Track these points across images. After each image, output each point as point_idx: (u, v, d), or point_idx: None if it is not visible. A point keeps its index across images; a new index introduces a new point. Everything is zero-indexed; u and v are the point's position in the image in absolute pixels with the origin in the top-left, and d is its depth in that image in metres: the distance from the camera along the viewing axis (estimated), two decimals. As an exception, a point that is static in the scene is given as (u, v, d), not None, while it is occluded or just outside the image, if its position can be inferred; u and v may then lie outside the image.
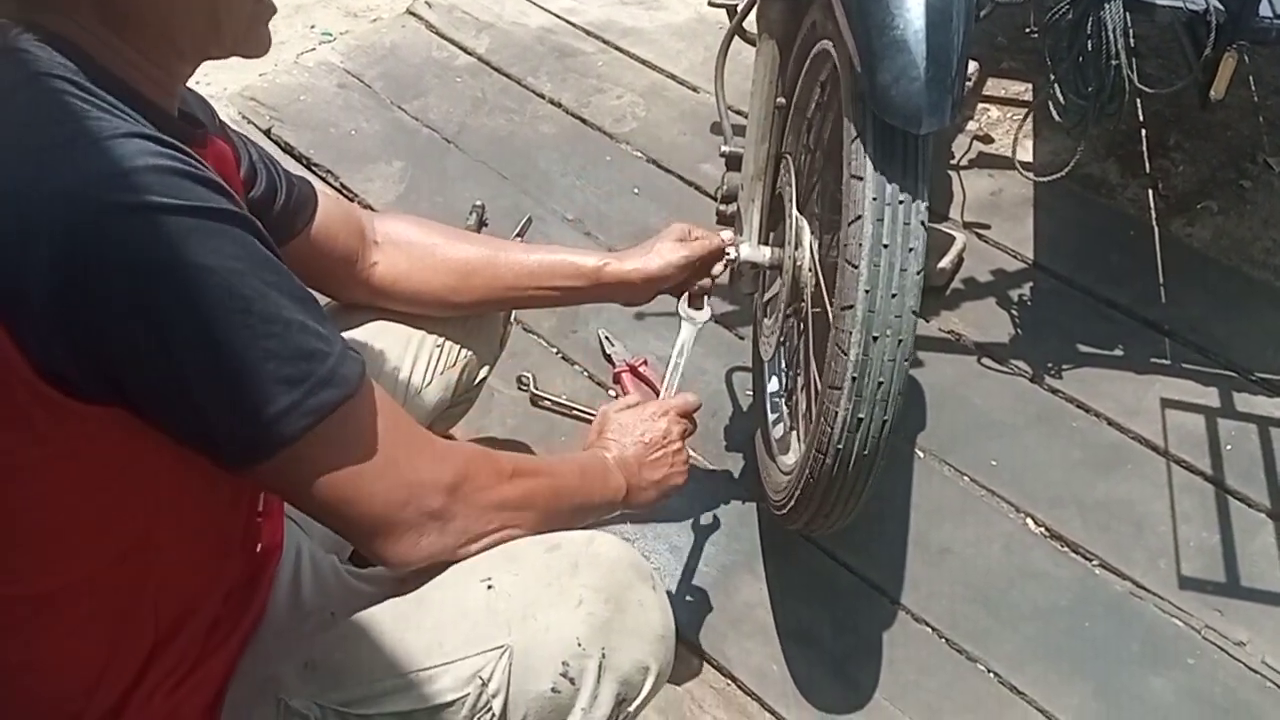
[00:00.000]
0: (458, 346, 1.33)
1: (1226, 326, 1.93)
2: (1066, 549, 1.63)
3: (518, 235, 2.10)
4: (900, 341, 1.08)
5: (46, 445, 0.76)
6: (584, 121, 2.37)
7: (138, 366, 0.74)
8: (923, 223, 1.07)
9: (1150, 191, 2.19)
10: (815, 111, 1.38)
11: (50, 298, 0.71)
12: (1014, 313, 1.96)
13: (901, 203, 1.06)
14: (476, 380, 1.40)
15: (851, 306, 1.08)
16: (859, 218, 1.07)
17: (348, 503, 0.85)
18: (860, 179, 1.07)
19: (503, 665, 0.91)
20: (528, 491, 0.99)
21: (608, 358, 1.89)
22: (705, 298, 1.39)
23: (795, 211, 1.31)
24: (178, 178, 0.73)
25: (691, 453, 1.73)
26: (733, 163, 1.43)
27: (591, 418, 1.79)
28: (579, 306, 1.96)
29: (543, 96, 2.44)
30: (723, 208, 1.45)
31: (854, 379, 1.10)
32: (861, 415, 1.11)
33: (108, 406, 0.76)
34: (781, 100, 1.36)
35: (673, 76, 2.49)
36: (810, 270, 1.32)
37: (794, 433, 1.49)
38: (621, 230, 2.12)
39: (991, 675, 1.49)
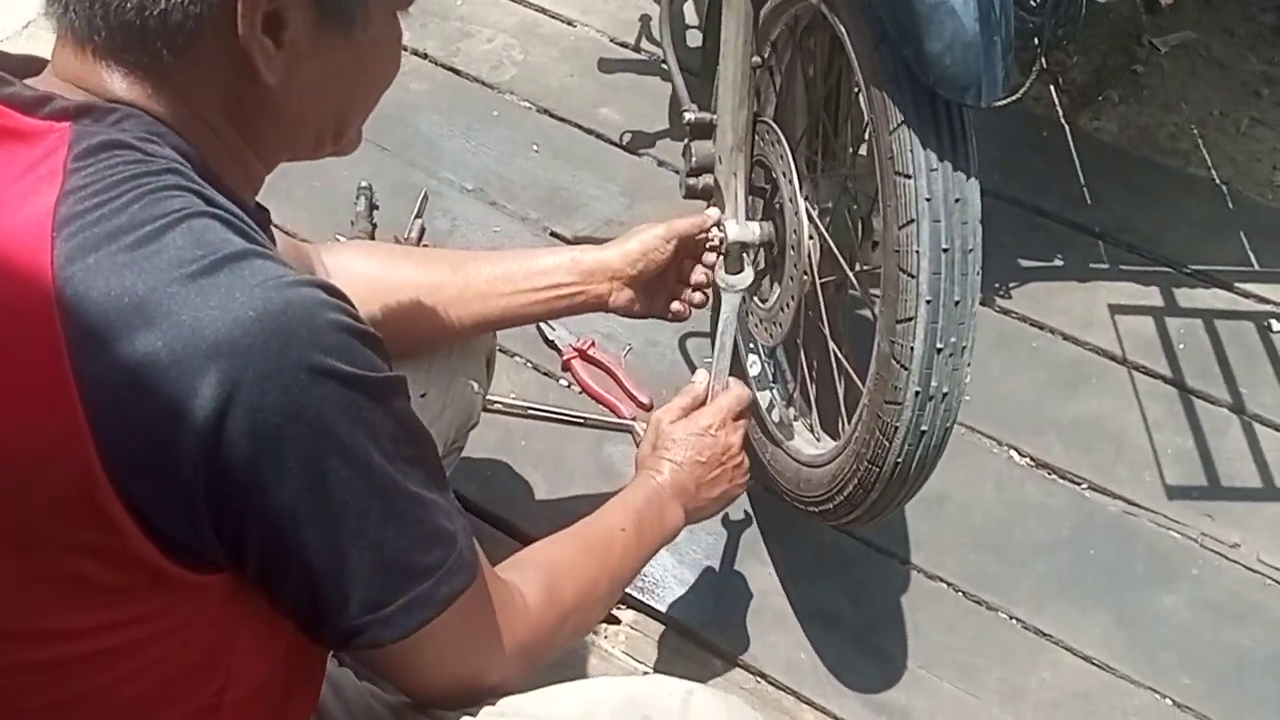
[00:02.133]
0: (444, 385, 1.17)
1: (1151, 220, 1.94)
2: (1055, 476, 1.61)
3: (416, 216, 1.89)
4: (964, 348, 1.00)
5: (149, 622, 0.68)
6: (457, 73, 2.14)
7: (275, 535, 0.66)
8: (980, 220, 0.98)
9: (1052, 88, 2.16)
10: (795, 68, 1.25)
11: (206, 456, 0.62)
12: (950, 233, 1.91)
13: (958, 200, 0.95)
14: (475, 414, 1.25)
15: (911, 319, 0.98)
16: (911, 221, 0.96)
17: (422, 674, 0.79)
18: (909, 177, 0.95)
19: None
20: (584, 602, 0.93)
21: (550, 344, 1.73)
22: (744, 258, 1.25)
23: (794, 180, 1.18)
24: (350, 337, 0.67)
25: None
26: (699, 130, 1.28)
27: (549, 414, 1.65)
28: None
29: (404, 49, 2.17)
30: (692, 181, 1.31)
31: (917, 393, 1.01)
32: (924, 428, 1.03)
33: (214, 575, 0.67)
34: (758, 59, 1.22)
35: (543, 10, 2.27)
36: (813, 239, 1.21)
37: (800, 420, 1.39)
38: (530, 195, 1.93)
39: (1015, 622, 1.47)
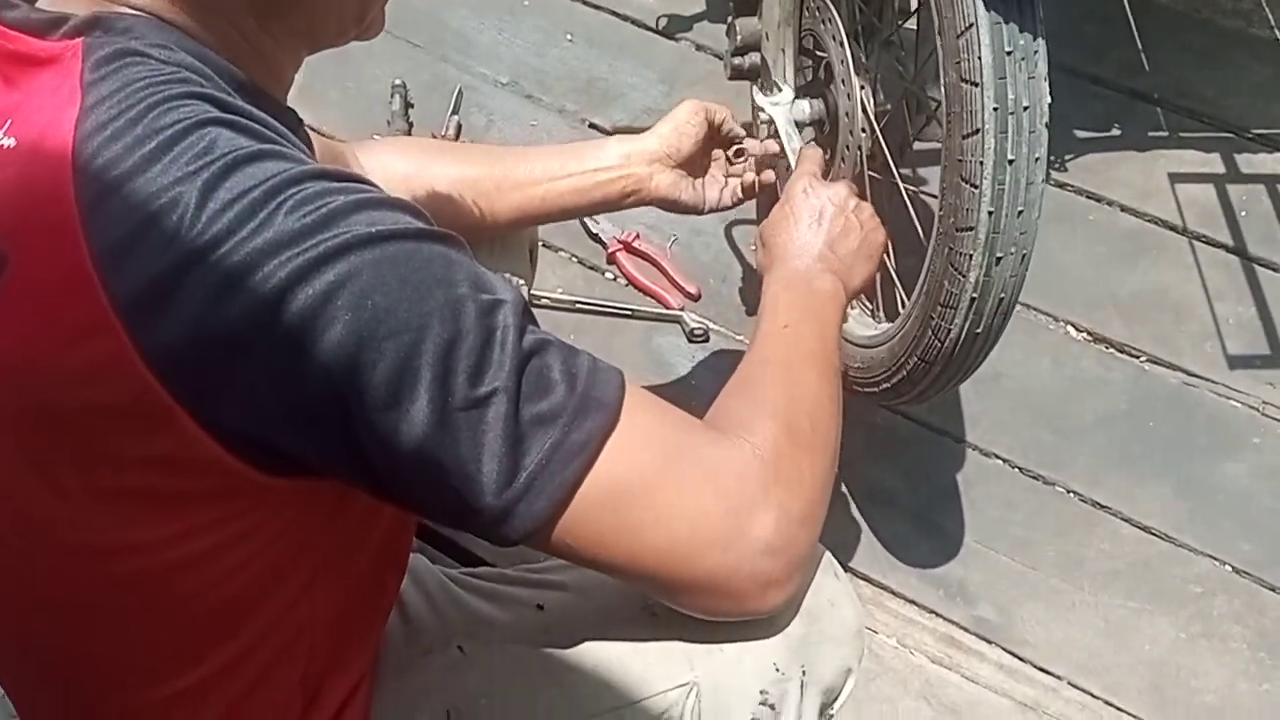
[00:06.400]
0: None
1: (1213, 85, 1.86)
2: (1113, 350, 1.59)
3: (452, 113, 1.86)
4: (1024, 256, 0.98)
5: (227, 525, 0.65)
6: (485, -39, 2.08)
7: (368, 418, 0.62)
8: (1046, 124, 0.93)
9: (1106, -51, 2.06)
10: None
11: (274, 349, 0.60)
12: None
13: (1026, 108, 0.92)
14: None
15: (972, 229, 0.95)
16: (977, 131, 0.92)
17: (654, 564, 0.69)
18: (975, 84, 0.91)
19: (690, 705, 0.80)
20: (800, 399, 0.79)
21: (594, 237, 1.72)
22: (772, 70, 1.19)
23: (849, 60, 1.14)
24: (371, 206, 0.63)
25: (709, 323, 1.63)
26: (743, 7, 1.24)
27: (597, 307, 1.65)
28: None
29: (431, -60, 2.12)
30: (738, 61, 1.26)
31: (973, 299, 0.99)
32: (979, 330, 1.01)
33: (289, 478, 0.64)
34: (803, -78, 1.17)
35: (571, -107, 2.19)
36: (864, 131, 1.17)
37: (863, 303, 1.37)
38: (566, 87, 1.89)
39: (1072, 495, 1.46)
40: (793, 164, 1.20)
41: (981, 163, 0.93)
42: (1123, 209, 1.72)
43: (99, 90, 0.62)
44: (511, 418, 0.63)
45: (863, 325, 1.33)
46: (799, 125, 1.21)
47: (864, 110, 1.17)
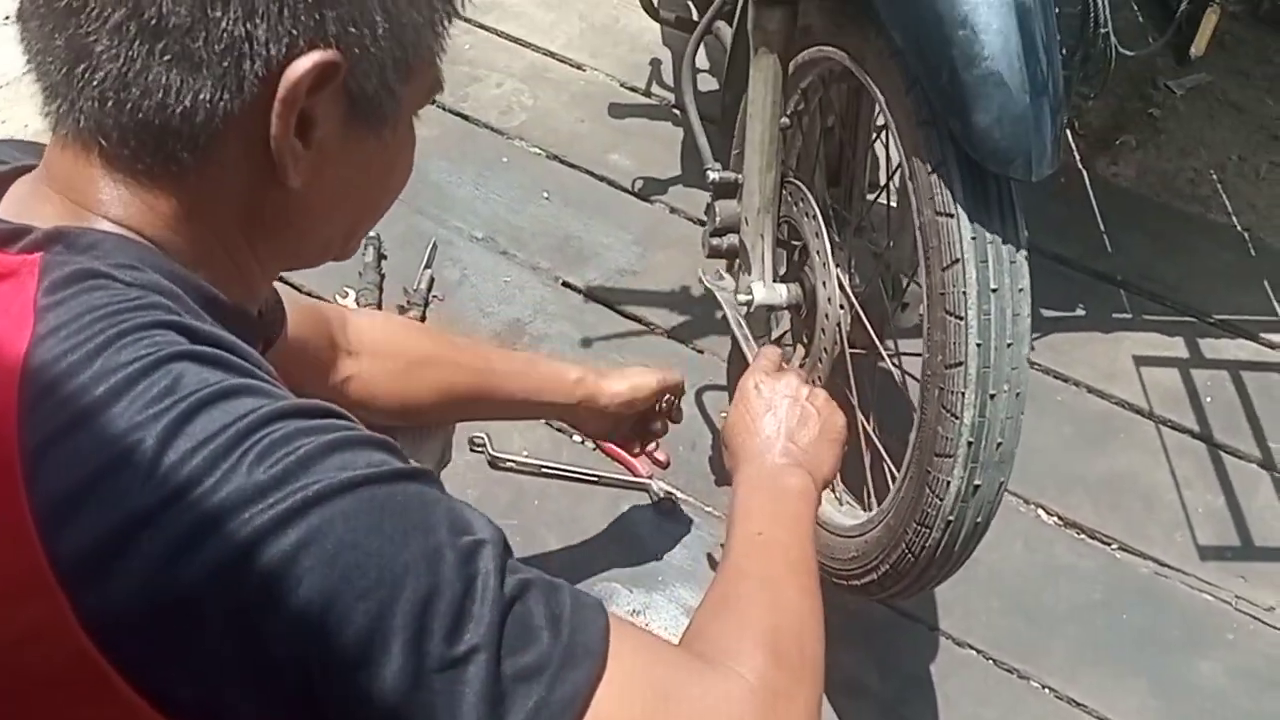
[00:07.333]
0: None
1: (1174, 269, 1.91)
2: (1084, 536, 1.57)
3: (425, 267, 1.85)
4: (1018, 395, 0.96)
5: None
6: (466, 118, 2.11)
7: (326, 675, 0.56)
8: (1026, 257, 0.94)
9: (1068, 133, 2.14)
10: (815, 118, 1.22)
11: (233, 613, 0.54)
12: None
13: (1006, 240, 0.92)
14: None
15: (961, 364, 0.94)
16: (956, 261, 0.92)
17: None
18: (950, 216, 0.92)
19: None
20: (783, 611, 0.78)
21: (564, 398, 1.69)
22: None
23: (825, 244, 1.15)
24: (345, 450, 0.59)
25: (677, 493, 1.60)
26: (722, 190, 1.25)
27: (563, 472, 1.61)
28: (517, 342, 1.76)
29: (412, 93, 2.15)
30: (716, 241, 1.27)
31: (970, 444, 0.97)
32: (978, 481, 0.99)
33: None
34: (786, 120, 1.18)
35: (552, 54, 2.25)
36: (842, 308, 1.17)
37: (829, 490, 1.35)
38: (541, 244, 1.90)
39: (1047, 691, 1.42)
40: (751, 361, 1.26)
41: (964, 292, 0.93)
42: (1089, 390, 1.74)
43: (53, 317, 0.57)
44: (492, 675, 0.58)
45: (837, 512, 1.31)
46: (774, 309, 1.21)
47: (841, 288, 1.18)
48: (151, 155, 0.61)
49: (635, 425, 1.35)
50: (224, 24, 0.58)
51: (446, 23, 0.67)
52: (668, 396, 1.34)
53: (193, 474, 0.54)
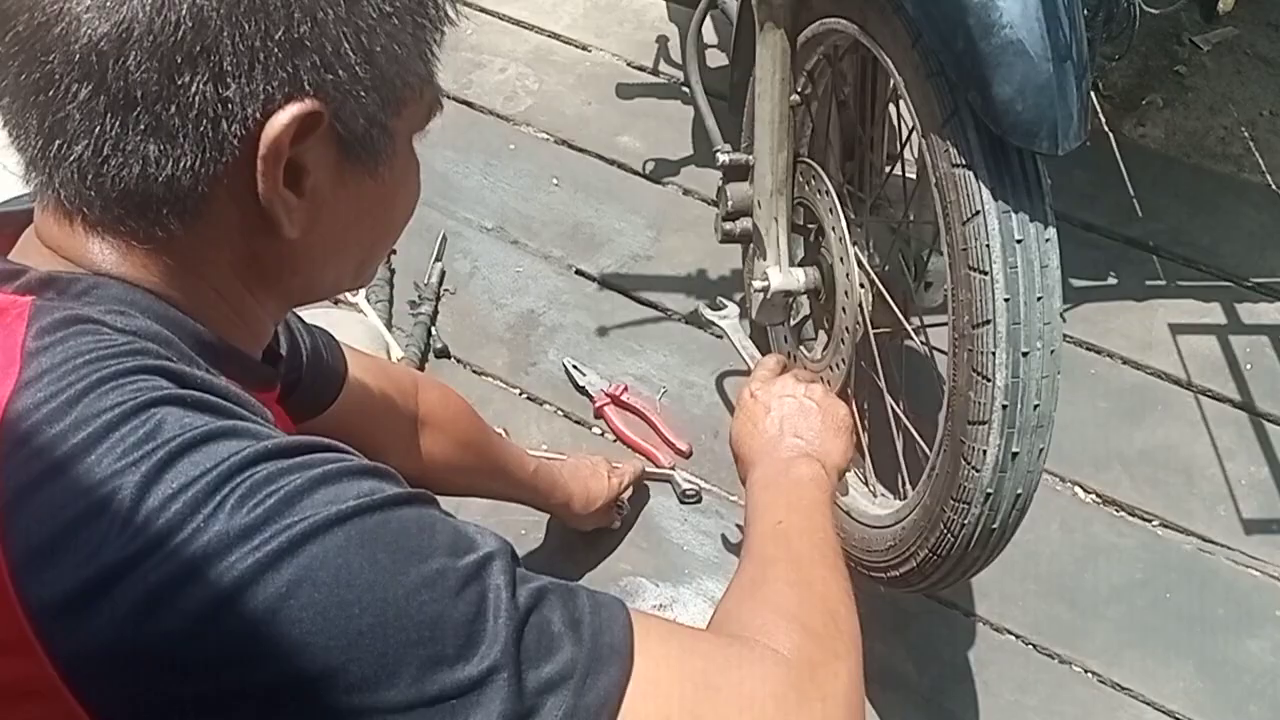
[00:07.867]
0: None
1: (1208, 232, 1.84)
2: (1123, 514, 1.52)
3: (436, 260, 1.81)
4: (1053, 352, 0.91)
5: None
6: (471, 105, 2.06)
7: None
8: (1049, 203, 0.89)
9: (1092, 94, 2.07)
10: (828, 94, 1.17)
11: (217, 666, 0.52)
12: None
13: (1027, 187, 0.87)
14: None
15: (989, 321, 0.89)
16: (977, 213, 0.87)
17: None
18: (966, 167, 0.87)
19: None
20: (808, 599, 0.76)
21: (581, 390, 1.65)
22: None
23: (841, 221, 1.10)
24: (350, 479, 0.57)
25: (701, 483, 1.56)
26: (733, 173, 1.20)
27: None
28: (531, 333, 1.72)
29: (415, 82, 2.10)
30: (729, 226, 1.22)
31: (1004, 407, 0.92)
32: (1016, 448, 0.94)
33: None
34: (796, 97, 1.13)
35: (556, 36, 2.19)
36: (863, 286, 1.12)
37: (854, 472, 1.30)
38: (553, 232, 1.85)
39: (1090, 676, 1.38)
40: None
41: (988, 245, 0.89)
42: (1124, 361, 1.68)
43: (39, 362, 0.55)
44: (515, 692, 0.55)
45: (867, 501, 1.26)
46: (792, 294, 1.17)
47: (861, 266, 1.13)
48: (137, 221, 0.59)
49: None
50: (193, 90, 0.55)
51: (436, 48, 0.64)
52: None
53: (172, 522, 0.51)
